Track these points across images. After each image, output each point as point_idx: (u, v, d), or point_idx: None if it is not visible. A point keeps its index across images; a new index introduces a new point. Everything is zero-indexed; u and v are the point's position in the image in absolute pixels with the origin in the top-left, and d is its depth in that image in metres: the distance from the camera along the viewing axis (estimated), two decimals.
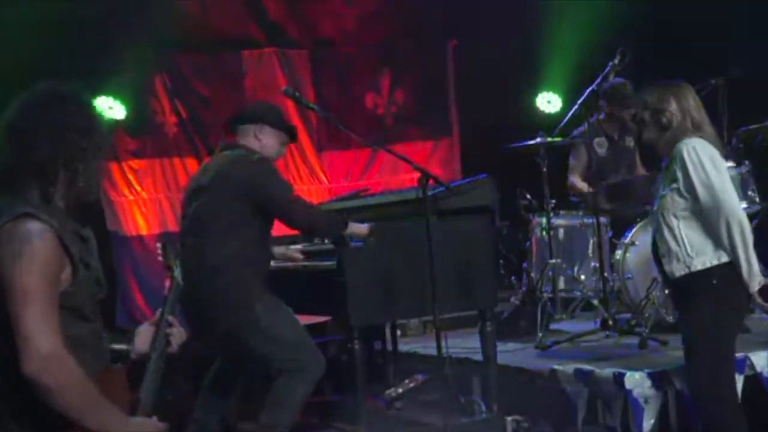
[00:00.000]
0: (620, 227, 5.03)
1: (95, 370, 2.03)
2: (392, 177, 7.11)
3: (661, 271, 3.45)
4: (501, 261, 5.43)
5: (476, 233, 4.18)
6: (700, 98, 3.52)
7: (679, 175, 3.33)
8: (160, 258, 2.37)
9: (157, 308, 2.33)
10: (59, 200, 2.08)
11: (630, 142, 5.47)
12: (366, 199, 4.74)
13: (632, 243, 4.85)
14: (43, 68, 2.15)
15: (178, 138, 6.58)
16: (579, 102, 5.04)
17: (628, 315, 4.86)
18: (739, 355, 3.63)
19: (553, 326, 4.97)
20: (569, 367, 4.09)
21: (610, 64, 4.97)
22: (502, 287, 5.27)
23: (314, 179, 7.01)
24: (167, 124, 6.56)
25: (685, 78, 3.55)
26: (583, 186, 5.31)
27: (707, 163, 3.30)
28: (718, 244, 3.29)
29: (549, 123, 5.60)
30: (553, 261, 4.94)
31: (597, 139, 5.30)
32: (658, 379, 3.85)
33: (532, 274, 5.14)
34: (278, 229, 4.00)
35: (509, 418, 4.09)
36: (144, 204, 6.46)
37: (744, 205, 4.11)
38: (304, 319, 4.01)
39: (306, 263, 4.23)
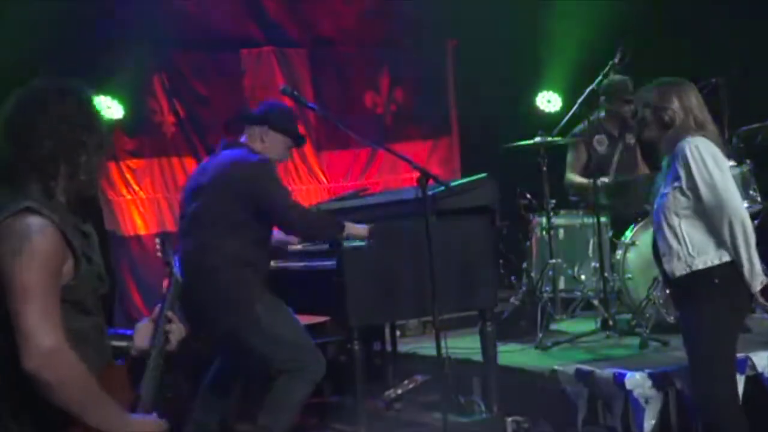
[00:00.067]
0: (621, 227, 5.02)
1: (97, 365, 2.02)
2: (392, 176, 7.08)
3: (662, 270, 3.43)
4: (501, 261, 5.41)
5: (476, 233, 4.17)
6: (702, 97, 3.50)
7: (682, 173, 3.31)
8: (158, 253, 2.34)
9: (153, 307, 2.31)
10: (61, 195, 2.06)
11: (631, 139, 5.46)
12: (365, 199, 4.73)
13: (633, 243, 4.84)
14: (41, 67, 2.13)
15: (177, 137, 6.55)
16: (579, 101, 5.04)
17: (629, 315, 4.85)
18: (740, 355, 3.62)
19: (554, 326, 4.97)
20: (569, 368, 4.09)
21: (611, 63, 4.97)
22: (502, 287, 5.25)
23: (313, 179, 6.99)
24: (165, 124, 6.53)
25: (685, 77, 3.54)
26: (581, 179, 5.30)
27: (710, 161, 3.29)
28: (719, 243, 3.28)
29: (549, 122, 5.58)
30: (554, 261, 4.93)
31: (597, 137, 5.29)
32: (659, 380, 3.85)
33: (532, 274, 5.13)
34: None
35: (509, 419, 4.09)
36: (142, 204, 6.44)
37: (745, 204, 4.09)
38: (304, 320, 4.00)
39: (305, 263, 4.22)
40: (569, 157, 5.46)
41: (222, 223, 3.76)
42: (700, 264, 3.29)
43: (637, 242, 4.82)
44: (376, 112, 7.20)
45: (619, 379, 3.84)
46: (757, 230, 3.44)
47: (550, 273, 4.95)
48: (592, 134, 5.19)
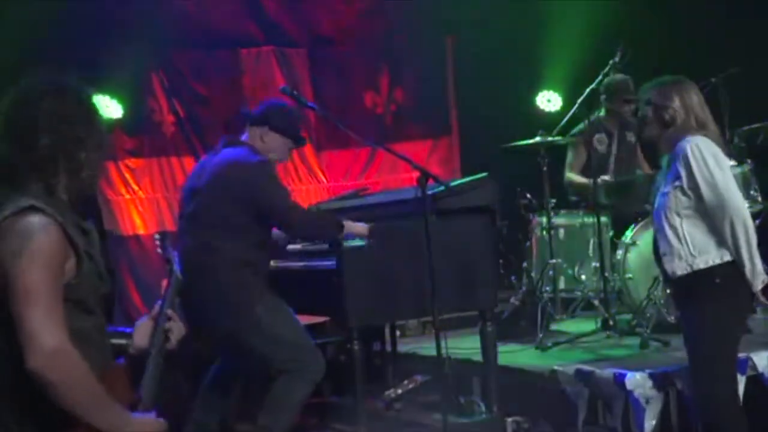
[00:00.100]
0: (621, 226, 5.01)
1: (99, 365, 2.01)
2: (391, 176, 7.08)
3: (662, 270, 3.42)
4: (501, 261, 5.39)
5: (476, 233, 4.16)
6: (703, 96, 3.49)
7: (683, 173, 3.30)
8: (158, 250, 2.32)
9: (153, 307, 2.29)
10: (62, 193, 2.05)
11: (631, 137, 5.45)
12: (365, 199, 4.72)
13: (633, 243, 4.84)
14: (41, 67, 2.10)
15: (176, 137, 6.54)
16: (579, 101, 5.03)
17: (629, 315, 4.84)
18: (741, 355, 3.62)
19: (554, 326, 4.96)
20: (570, 368, 4.08)
21: (611, 62, 4.97)
22: (502, 287, 5.24)
23: (313, 178, 6.98)
24: (165, 123, 6.52)
25: (685, 76, 3.52)
26: (581, 179, 5.29)
27: (711, 161, 3.28)
28: (721, 242, 3.27)
29: (549, 122, 5.58)
30: (554, 261, 4.92)
31: (597, 136, 5.28)
32: (660, 380, 3.84)
33: (533, 274, 5.12)
34: None
35: (509, 419, 4.08)
36: (141, 203, 6.43)
37: (746, 204, 4.07)
38: (304, 320, 3.99)
39: (305, 263, 4.21)
40: (569, 156, 5.46)
41: (222, 225, 3.75)
42: (701, 264, 3.28)
43: (637, 242, 4.81)
44: (375, 112, 7.19)
45: (619, 380, 3.83)
46: (758, 230, 3.44)
47: (551, 273, 4.94)
48: (592, 134, 5.18)
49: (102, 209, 6.11)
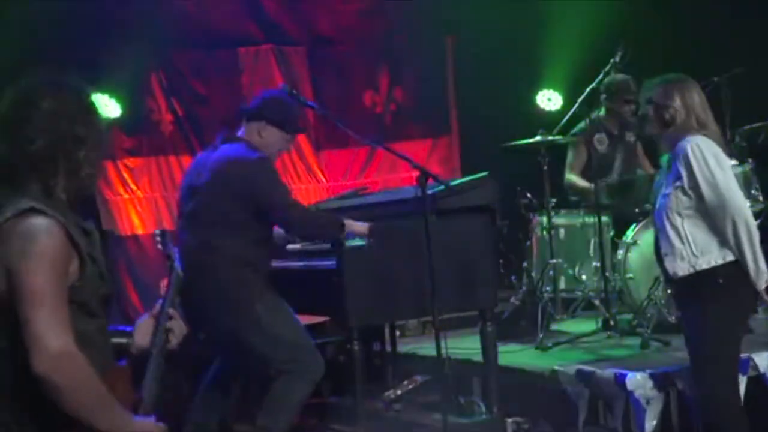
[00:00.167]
0: (622, 226, 5.00)
1: (101, 367, 1.99)
2: (391, 175, 7.06)
3: (663, 270, 3.41)
4: (501, 260, 5.38)
5: (476, 232, 4.14)
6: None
7: (683, 173, 3.29)
8: (158, 246, 2.30)
9: (151, 308, 2.27)
10: (61, 193, 2.03)
11: (631, 137, 5.44)
12: (365, 198, 4.71)
13: (634, 242, 4.82)
14: (41, 67, 2.09)
15: (174, 136, 6.53)
16: (580, 100, 5.01)
17: (630, 315, 4.83)
18: (742, 355, 3.60)
19: (554, 326, 4.95)
20: (570, 368, 4.07)
21: (612, 61, 4.95)
22: (502, 287, 5.22)
23: (312, 178, 6.97)
24: (163, 122, 6.51)
25: (689, 76, 3.51)
26: (582, 182, 5.28)
27: (711, 161, 3.27)
28: (723, 242, 3.26)
29: (549, 121, 5.56)
30: (554, 260, 4.91)
31: (597, 136, 5.26)
32: (660, 380, 3.83)
33: (533, 274, 5.11)
34: None
35: (509, 420, 4.07)
36: (140, 203, 6.42)
37: (747, 203, 4.06)
38: (303, 320, 3.98)
39: (305, 263, 4.19)
40: (569, 156, 5.44)
41: (221, 223, 3.73)
42: (703, 264, 3.26)
43: (638, 242, 4.80)
44: (375, 111, 7.17)
45: (620, 380, 3.82)
46: (760, 229, 3.42)
47: (551, 273, 4.92)
48: (592, 133, 5.16)
49: (100, 209, 6.10)
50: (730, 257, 3.25)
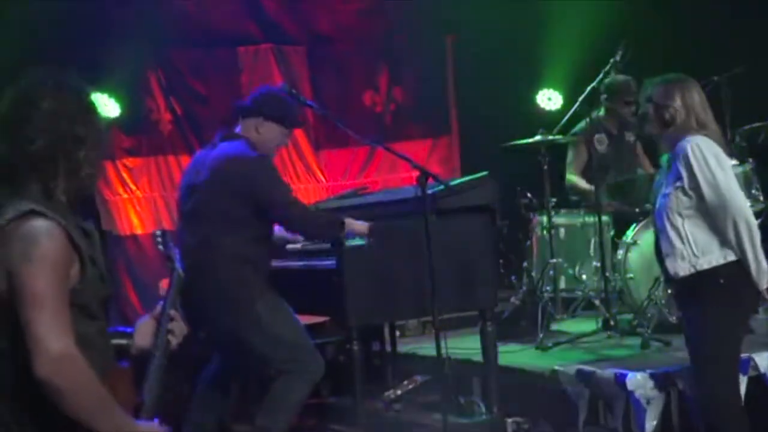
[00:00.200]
0: (622, 226, 4.99)
1: (102, 369, 1.98)
2: (391, 175, 7.05)
3: (664, 270, 3.40)
4: (501, 260, 5.37)
5: (476, 232, 4.14)
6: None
7: (684, 173, 3.28)
8: (159, 247, 2.28)
9: (150, 308, 2.26)
10: (61, 194, 2.02)
11: (630, 137, 5.43)
12: (364, 198, 4.70)
13: (634, 242, 4.82)
14: (34, 65, 2.08)
15: (174, 136, 6.52)
16: (580, 99, 5.00)
17: (630, 315, 4.82)
18: (742, 355, 3.60)
19: (554, 326, 4.94)
20: (570, 368, 4.06)
21: (612, 60, 4.94)
22: (502, 287, 5.22)
23: (311, 177, 6.96)
24: (162, 122, 6.50)
25: (687, 74, 3.50)
26: (583, 184, 5.27)
27: (712, 161, 3.26)
28: (723, 242, 3.25)
29: (550, 120, 5.55)
30: (554, 260, 4.90)
31: (597, 136, 5.25)
32: (661, 380, 3.82)
33: (533, 274, 5.10)
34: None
35: (509, 420, 4.06)
36: (139, 203, 6.41)
37: (748, 203, 4.06)
38: (303, 319, 3.97)
39: (305, 262, 4.19)
40: (569, 156, 5.44)
41: (221, 221, 3.72)
42: (704, 264, 3.26)
43: (638, 241, 4.79)
44: (375, 111, 7.16)
45: (620, 380, 3.81)
46: (760, 229, 3.41)
47: (551, 272, 4.91)
48: (592, 133, 5.15)
49: (99, 209, 6.09)
50: (731, 257, 3.25)
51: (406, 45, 7.16)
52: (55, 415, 1.89)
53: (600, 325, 4.76)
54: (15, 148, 1.99)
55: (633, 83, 5.13)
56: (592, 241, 4.99)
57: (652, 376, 3.81)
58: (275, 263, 4.00)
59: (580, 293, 5.02)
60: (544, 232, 4.97)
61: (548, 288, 4.94)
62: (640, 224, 4.84)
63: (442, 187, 3.90)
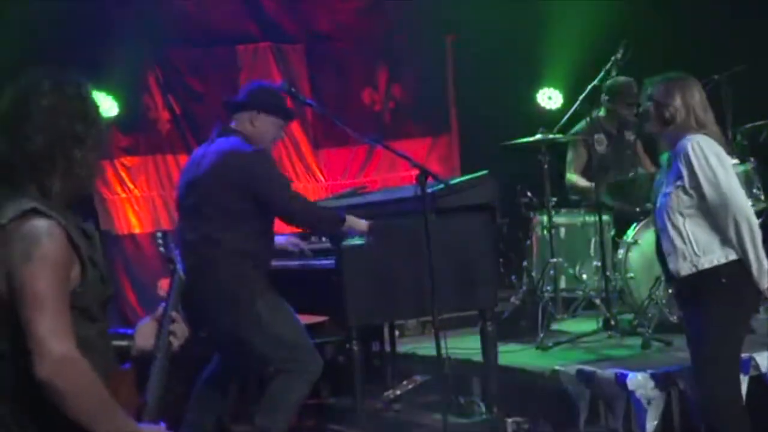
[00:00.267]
0: (623, 225, 4.98)
1: (104, 371, 1.97)
2: (390, 174, 7.04)
3: (665, 269, 3.39)
4: (501, 260, 5.36)
5: (476, 231, 4.12)
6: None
7: (684, 172, 3.27)
8: (160, 248, 2.27)
9: (149, 308, 2.25)
10: (58, 193, 2.00)
11: (630, 136, 5.42)
12: (364, 197, 4.69)
13: (635, 242, 4.80)
14: (34, 64, 2.07)
15: (172, 134, 6.50)
16: (581, 98, 4.99)
17: (631, 315, 4.81)
18: (743, 355, 3.59)
19: (555, 326, 4.93)
20: (571, 368, 4.05)
21: (613, 58, 4.93)
22: (502, 286, 5.21)
23: (310, 176, 6.94)
24: (160, 121, 6.48)
25: (687, 73, 3.48)
26: (584, 183, 5.26)
27: (713, 159, 3.24)
28: (725, 241, 3.24)
29: (550, 119, 5.53)
30: (555, 260, 4.88)
31: (596, 136, 5.24)
32: (662, 380, 3.81)
33: (533, 273, 5.08)
34: (278, 226, 3.93)
35: (510, 420, 4.05)
36: (137, 202, 6.39)
37: (749, 202, 4.05)
38: (302, 319, 3.95)
39: (304, 262, 4.17)
40: (569, 155, 5.43)
41: (221, 216, 3.71)
42: (706, 263, 3.24)
43: (639, 241, 4.78)
44: (374, 109, 7.14)
45: (621, 380, 3.80)
46: (761, 228, 3.40)
47: (551, 272, 4.90)
48: (591, 133, 5.14)
49: (97, 209, 6.07)
50: (732, 256, 3.23)
51: (405, 44, 7.15)
52: (55, 417, 1.88)
53: (600, 324, 4.75)
54: (13, 147, 1.97)
55: (634, 84, 5.12)
56: (593, 241, 4.97)
57: (653, 376, 3.80)
58: (275, 263, 3.99)
59: (580, 293, 5.01)
60: (545, 231, 4.96)
61: (548, 288, 4.92)
62: (641, 223, 4.82)
63: (441, 185, 3.88)
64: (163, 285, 4.18)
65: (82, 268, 1.96)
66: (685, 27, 6.38)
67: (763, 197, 4.65)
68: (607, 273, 4.74)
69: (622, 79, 5.13)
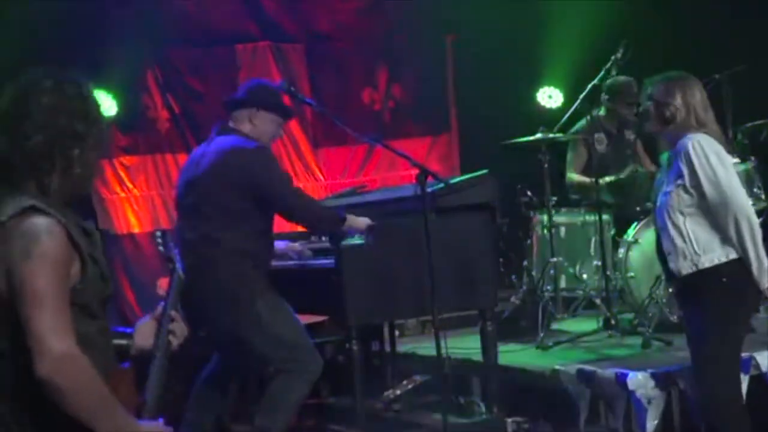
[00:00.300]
0: (623, 225, 4.97)
1: (104, 369, 1.97)
2: (390, 173, 7.03)
3: (666, 269, 3.38)
4: (501, 259, 5.36)
5: (476, 231, 4.12)
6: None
7: (685, 171, 3.27)
8: (160, 248, 2.26)
9: (148, 307, 2.24)
10: (56, 191, 2.00)
11: (630, 135, 5.42)
12: (363, 196, 4.68)
13: (635, 241, 4.80)
14: (34, 64, 2.07)
15: (171, 133, 6.49)
16: (581, 97, 4.99)
17: (631, 314, 4.81)
18: (744, 354, 3.58)
19: (555, 326, 4.93)
20: (571, 368, 4.05)
21: (613, 57, 4.93)
22: (502, 286, 5.21)
23: (310, 176, 6.93)
24: (159, 120, 6.48)
25: (688, 72, 3.48)
26: (584, 179, 5.25)
27: (713, 158, 3.24)
28: (725, 240, 3.24)
29: (550, 118, 5.53)
30: (555, 259, 4.88)
31: (596, 135, 5.24)
32: (662, 380, 3.81)
33: (533, 273, 5.08)
34: (278, 226, 3.93)
35: (510, 419, 4.05)
36: (136, 201, 6.38)
37: (750, 201, 4.05)
38: (302, 319, 3.95)
39: (304, 262, 4.17)
40: (569, 155, 5.42)
41: (220, 215, 3.70)
42: (706, 262, 3.24)
43: (639, 240, 4.78)
44: (373, 109, 7.14)
45: (621, 380, 3.80)
46: (762, 228, 3.39)
47: (552, 271, 4.90)
48: (591, 132, 5.14)
49: (96, 208, 6.07)
50: (733, 255, 3.23)
51: (405, 44, 7.14)
52: (55, 415, 1.87)
53: (601, 324, 4.75)
54: (13, 145, 1.97)
55: (634, 84, 5.11)
56: (593, 240, 4.97)
57: (653, 375, 3.80)
58: (275, 263, 3.98)
59: (580, 292, 5.01)
60: (545, 230, 4.95)
61: (549, 287, 4.92)
62: (641, 223, 4.82)
63: (441, 185, 3.88)
64: (163, 284, 4.18)
65: (82, 265, 1.96)
66: (685, 27, 6.38)
67: (763, 196, 4.65)
68: (608, 272, 4.73)
69: (622, 78, 5.13)
